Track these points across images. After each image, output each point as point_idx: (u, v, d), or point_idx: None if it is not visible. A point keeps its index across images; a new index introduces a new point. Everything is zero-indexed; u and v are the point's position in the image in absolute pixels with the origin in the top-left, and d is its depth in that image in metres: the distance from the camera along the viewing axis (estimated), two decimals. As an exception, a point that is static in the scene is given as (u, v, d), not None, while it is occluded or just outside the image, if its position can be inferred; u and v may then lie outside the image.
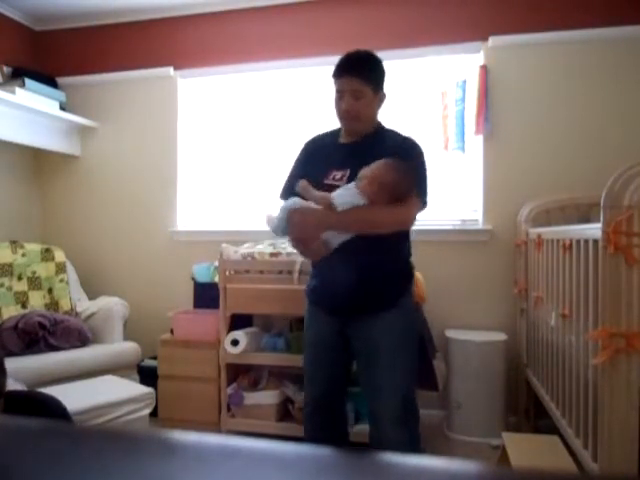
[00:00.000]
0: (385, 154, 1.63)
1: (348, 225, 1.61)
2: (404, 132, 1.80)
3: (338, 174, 1.72)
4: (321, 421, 1.89)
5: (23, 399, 1.50)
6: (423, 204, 1.69)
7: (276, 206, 1.73)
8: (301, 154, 1.89)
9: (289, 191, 1.78)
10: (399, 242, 1.73)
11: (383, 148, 1.68)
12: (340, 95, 1.71)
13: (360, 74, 1.67)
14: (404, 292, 1.76)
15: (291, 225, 1.61)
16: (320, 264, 1.78)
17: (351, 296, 1.70)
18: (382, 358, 1.71)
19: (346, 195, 1.59)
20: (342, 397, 1.93)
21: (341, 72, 1.69)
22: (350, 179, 1.66)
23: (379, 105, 1.77)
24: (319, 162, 1.78)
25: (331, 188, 1.66)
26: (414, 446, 1.75)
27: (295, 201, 1.64)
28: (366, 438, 1.84)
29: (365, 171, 1.61)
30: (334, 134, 1.84)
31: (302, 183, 1.64)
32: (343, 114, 1.72)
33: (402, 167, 1.60)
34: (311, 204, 1.62)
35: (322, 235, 1.60)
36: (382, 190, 1.58)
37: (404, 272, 1.79)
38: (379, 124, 1.81)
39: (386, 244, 1.64)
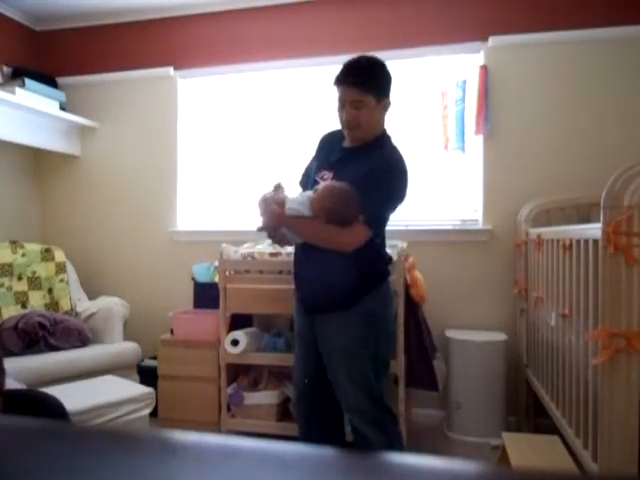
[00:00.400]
0: (364, 169, 1.66)
1: (291, 229, 1.72)
2: (403, 148, 1.79)
3: (326, 174, 1.76)
4: (306, 415, 1.94)
5: (22, 398, 1.50)
6: (370, 230, 1.67)
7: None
8: (317, 147, 1.95)
9: (302, 179, 1.94)
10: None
11: (366, 162, 1.69)
12: (342, 104, 1.70)
13: (360, 84, 1.65)
14: (367, 292, 1.73)
15: (262, 211, 1.76)
16: (294, 262, 1.88)
17: (310, 294, 1.78)
18: (340, 358, 1.74)
19: (296, 203, 1.70)
20: (325, 394, 1.86)
21: (341, 81, 1.68)
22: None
23: (383, 112, 1.76)
24: (320, 158, 1.86)
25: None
26: (395, 446, 1.75)
27: (270, 193, 1.79)
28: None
29: (318, 187, 1.69)
30: (343, 135, 1.85)
31: (278, 182, 1.80)
32: (344, 123, 1.73)
33: (345, 193, 1.63)
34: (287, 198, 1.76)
35: (282, 230, 1.74)
36: (320, 211, 1.66)
37: (368, 272, 1.75)
38: (383, 134, 1.80)
39: None
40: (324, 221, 1.66)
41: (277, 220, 1.72)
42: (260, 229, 1.79)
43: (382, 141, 1.77)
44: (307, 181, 1.87)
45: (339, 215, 1.64)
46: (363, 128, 1.71)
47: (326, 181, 1.74)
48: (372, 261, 1.77)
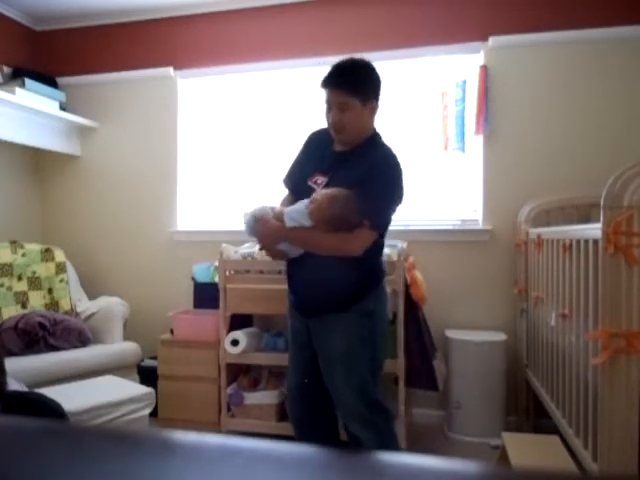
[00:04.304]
0: (359, 171, 1.65)
1: (295, 242, 1.70)
2: (395, 147, 1.78)
3: (320, 179, 1.75)
4: (300, 416, 1.92)
5: (21, 400, 1.50)
6: (377, 232, 1.68)
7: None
8: (304, 145, 1.92)
9: (288, 178, 1.89)
10: None
11: (360, 164, 1.68)
12: (328, 106, 1.71)
13: (346, 86, 1.65)
14: (362, 297, 1.73)
15: (255, 233, 1.74)
16: (288, 265, 1.85)
17: (307, 297, 1.77)
18: (334, 360, 1.73)
19: (296, 214, 1.68)
20: (319, 394, 1.86)
21: (327, 84, 1.69)
22: (327, 187, 1.70)
23: (370, 115, 1.74)
24: (311, 161, 1.82)
25: (311, 190, 1.73)
26: (388, 446, 1.74)
27: (259, 209, 1.75)
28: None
29: (315, 196, 1.66)
30: (331, 136, 1.83)
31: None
32: (330, 126, 1.73)
33: (346, 199, 1.62)
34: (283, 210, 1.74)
35: (281, 245, 1.71)
36: (324, 220, 1.63)
37: (363, 277, 1.74)
38: (373, 136, 1.78)
39: None
40: (326, 229, 1.64)
41: (277, 234, 1.69)
42: (261, 248, 1.79)
43: (373, 142, 1.76)
44: (294, 182, 1.84)
45: (345, 221, 1.62)
46: (348, 131, 1.70)
47: (320, 186, 1.72)
48: (371, 262, 1.77)
